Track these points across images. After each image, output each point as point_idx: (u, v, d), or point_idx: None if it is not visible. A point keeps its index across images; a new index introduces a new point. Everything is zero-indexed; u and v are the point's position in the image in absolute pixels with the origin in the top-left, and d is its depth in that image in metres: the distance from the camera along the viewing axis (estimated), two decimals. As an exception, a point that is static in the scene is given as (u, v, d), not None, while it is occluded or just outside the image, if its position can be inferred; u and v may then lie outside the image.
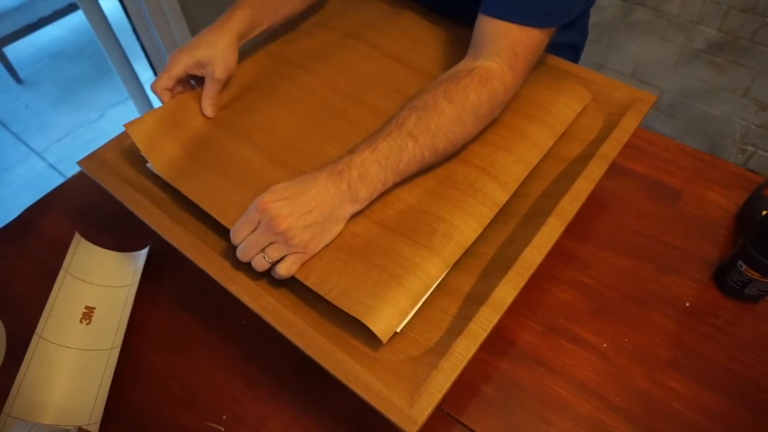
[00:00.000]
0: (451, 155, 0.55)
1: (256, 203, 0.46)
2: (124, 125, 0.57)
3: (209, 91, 0.61)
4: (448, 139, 0.51)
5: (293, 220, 0.45)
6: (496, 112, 0.55)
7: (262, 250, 0.46)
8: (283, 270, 0.46)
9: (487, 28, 0.55)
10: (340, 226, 0.49)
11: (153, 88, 0.60)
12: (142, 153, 0.57)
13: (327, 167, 0.49)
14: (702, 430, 0.48)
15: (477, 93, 0.52)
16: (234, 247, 0.50)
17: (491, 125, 0.58)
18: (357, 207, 0.49)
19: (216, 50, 0.59)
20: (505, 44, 0.54)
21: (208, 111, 0.61)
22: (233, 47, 0.60)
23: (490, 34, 0.55)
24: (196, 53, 0.59)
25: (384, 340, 0.44)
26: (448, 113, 0.51)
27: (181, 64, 0.59)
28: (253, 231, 0.47)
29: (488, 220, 0.51)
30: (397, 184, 0.52)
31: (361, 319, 0.44)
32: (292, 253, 0.47)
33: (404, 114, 0.51)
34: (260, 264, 0.47)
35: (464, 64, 0.56)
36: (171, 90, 0.61)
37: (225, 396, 0.52)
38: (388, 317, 0.44)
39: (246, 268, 0.49)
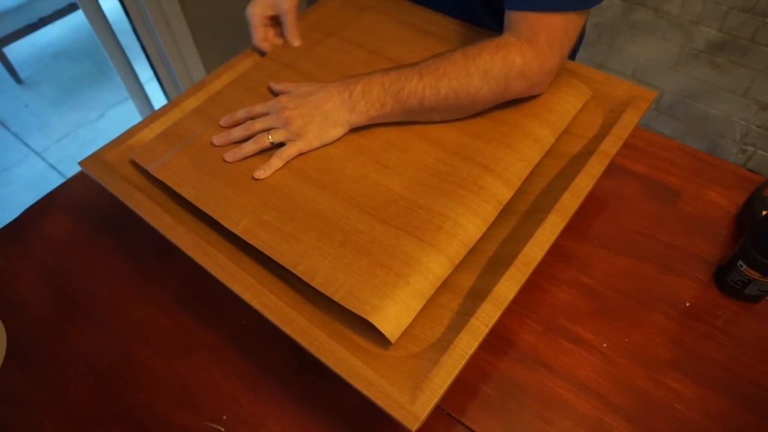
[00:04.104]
0: (457, 111, 0.57)
1: (274, 99, 0.59)
2: (134, 158, 0.59)
3: (287, 23, 0.68)
4: (451, 85, 0.54)
5: (296, 112, 0.56)
6: (515, 84, 0.56)
7: (268, 132, 0.56)
8: (285, 153, 0.56)
9: (509, 20, 0.57)
10: (339, 130, 0.57)
11: (256, 45, 0.69)
12: (148, 170, 0.57)
13: (340, 78, 0.59)
14: (702, 430, 0.48)
15: (491, 54, 0.55)
16: (234, 244, 0.50)
17: (492, 122, 0.58)
18: (355, 117, 0.56)
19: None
20: (525, 25, 0.55)
21: (295, 41, 0.69)
22: None
23: (510, 23, 0.57)
24: (263, 1, 0.68)
25: (393, 340, 0.44)
26: (459, 63, 0.55)
27: (258, 15, 0.68)
28: (267, 114, 0.59)
29: (492, 218, 0.51)
30: (403, 123, 0.58)
31: (369, 320, 0.43)
32: (291, 141, 0.56)
33: (424, 60, 0.58)
34: (261, 140, 0.56)
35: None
36: (268, 38, 0.70)
37: (225, 396, 0.52)
38: (396, 317, 0.44)
39: (247, 266, 0.49)
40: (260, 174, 0.54)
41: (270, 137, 0.56)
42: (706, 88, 1.53)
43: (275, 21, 0.71)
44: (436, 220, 0.49)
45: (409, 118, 0.58)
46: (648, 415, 0.48)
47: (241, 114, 0.60)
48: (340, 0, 0.79)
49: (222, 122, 0.61)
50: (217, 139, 0.58)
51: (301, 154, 0.57)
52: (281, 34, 0.71)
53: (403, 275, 0.46)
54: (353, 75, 0.58)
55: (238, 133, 0.58)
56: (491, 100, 0.56)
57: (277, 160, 0.55)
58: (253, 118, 0.59)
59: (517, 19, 0.55)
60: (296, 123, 0.56)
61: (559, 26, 0.54)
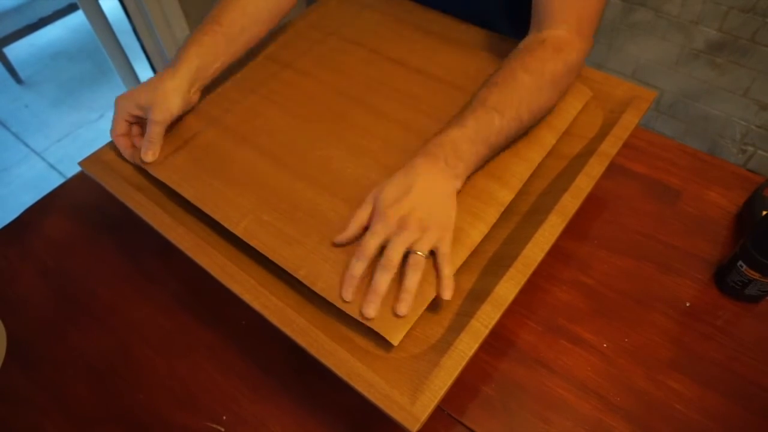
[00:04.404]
0: (534, 125, 0.56)
1: (378, 219, 0.47)
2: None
3: (149, 133, 0.57)
4: (530, 110, 0.53)
5: (419, 211, 0.46)
6: (572, 80, 0.57)
7: (413, 251, 0.46)
8: (448, 268, 0.46)
9: (547, 10, 0.56)
10: (454, 200, 0.49)
11: (112, 137, 0.59)
12: (147, 169, 0.57)
13: (419, 153, 0.50)
14: (702, 431, 0.48)
15: (553, 62, 0.54)
16: (234, 245, 0.50)
17: None
18: (459, 182, 0.50)
19: (155, 93, 0.57)
20: (570, 12, 0.55)
21: (147, 155, 0.57)
22: (179, 90, 0.58)
23: (552, 5, 0.56)
24: (136, 97, 0.58)
25: (395, 343, 0.44)
26: (528, 85, 0.52)
27: (123, 108, 0.58)
28: (384, 242, 0.46)
29: (494, 221, 0.51)
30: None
31: (372, 326, 0.44)
32: (437, 239, 0.47)
33: (485, 91, 0.53)
34: (418, 262, 0.46)
35: (532, 36, 0.57)
36: (128, 134, 0.60)
37: (225, 396, 0.52)
38: (398, 321, 0.44)
39: (247, 267, 0.49)
40: (402, 310, 0.45)
41: (420, 253, 0.46)
42: (706, 88, 1.53)
43: (142, 121, 0.60)
44: None
45: (492, 157, 0.54)
46: (648, 415, 0.48)
47: (359, 267, 0.46)
48: None
49: (348, 295, 0.46)
50: (370, 309, 0.45)
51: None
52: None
53: None
54: (427, 144, 0.50)
55: (382, 282, 0.45)
56: (558, 100, 0.57)
57: (449, 270, 0.46)
58: (370, 259, 0.47)
59: (560, 8, 0.55)
60: (432, 221, 0.47)
61: (598, 8, 0.56)
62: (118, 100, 0.59)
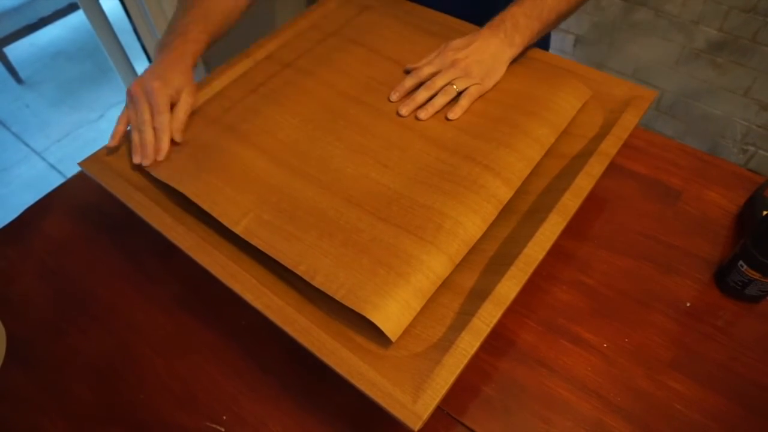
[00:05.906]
0: (574, 9, 0.66)
1: (441, 53, 0.63)
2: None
3: (185, 118, 0.60)
4: None
5: (471, 60, 0.61)
6: None
7: (451, 83, 0.60)
8: (466, 100, 0.60)
9: None
10: (503, 69, 0.63)
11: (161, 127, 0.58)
12: (147, 169, 0.57)
13: (485, 26, 0.64)
14: (702, 431, 0.48)
15: None
16: (234, 245, 0.50)
17: (492, 122, 0.58)
18: (514, 50, 0.63)
19: (187, 77, 0.60)
20: None
21: (178, 137, 0.59)
22: (192, 72, 0.62)
23: None
24: (171, 84, 0.58)
25: (393, 339, 0.44)
26: None
27: (167, 97, 0.58)
28: (436, 72, 0.62)
29: (493, 218, 0.51)
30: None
31: (370, 318, 0.43)
32: (473, 85, 0.60)
33: None
34: (449, 92, 0.60)
35: None
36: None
37: (225, 396, 0.52)
38: (396, 316, 0.44)
39: (248, 267, 0.49)
40: (424, 114, 0.59)
41: (455, 86, 0.60)
42: (707, 88, 1.53)
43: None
44: (436, 219, 0.49)
45: (544, 33, 0.65)
46: (648, 415, 0.48)
47: (410, 81, 0.62)
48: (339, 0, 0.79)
49: (394, 97, 0.62)
50: (404, 109, 0.60)
51: (480, 96, 0.62)
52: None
53: (403, 274, 0.46)
54: (493, 19, 0.63)
55: (422, 95, 0.60)
56: None
57: (466, 101, 0.60)
58: (422, 81, 0.62)
59: None
60: (476, 70, 0.61)
61: None
62: (159, 90, 0.57)
